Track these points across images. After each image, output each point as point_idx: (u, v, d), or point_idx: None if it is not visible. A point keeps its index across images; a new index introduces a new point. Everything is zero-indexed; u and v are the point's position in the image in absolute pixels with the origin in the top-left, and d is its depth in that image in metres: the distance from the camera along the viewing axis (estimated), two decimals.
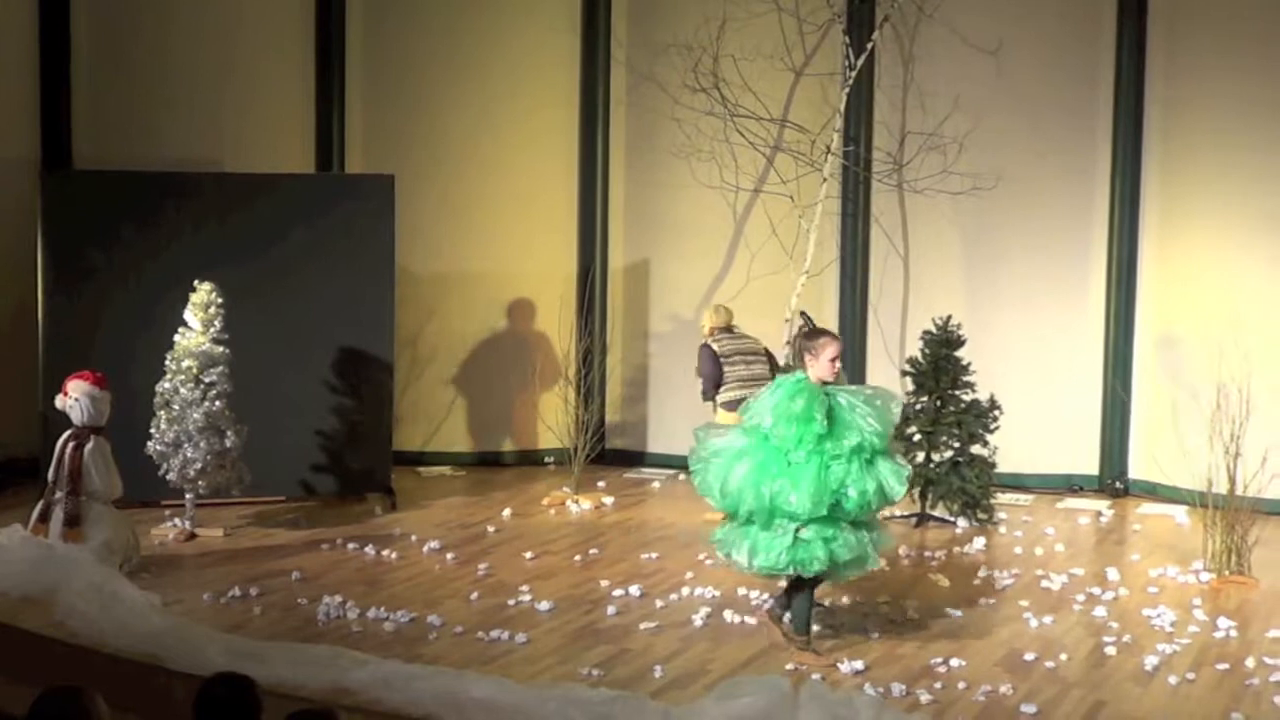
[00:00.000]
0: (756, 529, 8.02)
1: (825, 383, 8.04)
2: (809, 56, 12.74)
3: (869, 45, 12.40)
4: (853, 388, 8.37)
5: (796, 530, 7.90)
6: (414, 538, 10.60)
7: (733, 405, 11.56)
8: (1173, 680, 7.88)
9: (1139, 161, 12.23)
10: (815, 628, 8.36)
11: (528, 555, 10.23)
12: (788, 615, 8.27)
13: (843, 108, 12.48)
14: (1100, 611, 9.07)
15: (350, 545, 10.34)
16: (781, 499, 7.87)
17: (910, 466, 8.38)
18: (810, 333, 8.45)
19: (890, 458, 8.09)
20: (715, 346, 11.54)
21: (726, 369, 11.45)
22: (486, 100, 13.02)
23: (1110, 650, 8.36)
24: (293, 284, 11.36)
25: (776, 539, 7.94)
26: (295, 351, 11.33)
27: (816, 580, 8.19)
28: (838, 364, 8.10)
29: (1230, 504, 9.84)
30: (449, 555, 10.21)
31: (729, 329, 11.68)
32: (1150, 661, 8.14)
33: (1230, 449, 9.88)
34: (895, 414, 8.16)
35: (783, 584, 8.44)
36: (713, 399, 11.51)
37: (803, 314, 8.44)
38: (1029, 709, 7.41)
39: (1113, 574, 9.87)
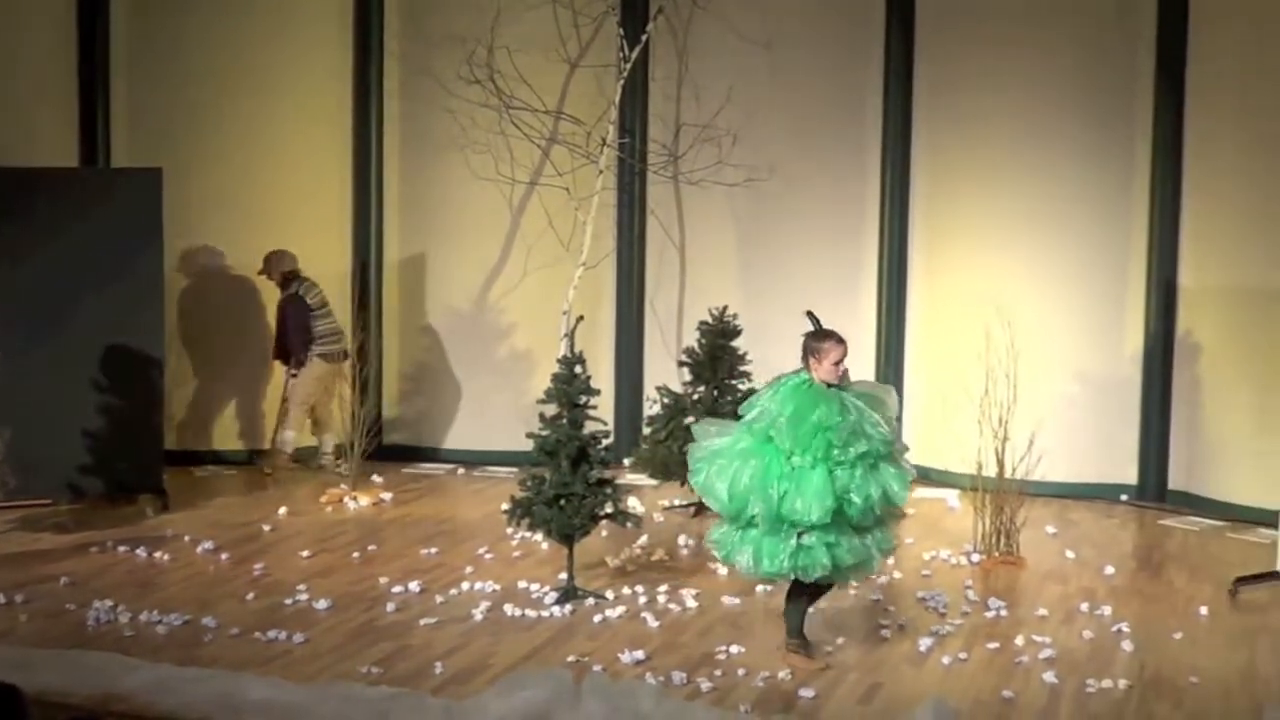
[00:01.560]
0: (759, 533, 7.86)
1: (829, 385, 7.87)
2: (584, 49, 12.76)
3: (643, 37, 12.49)
4: (855, 387, 8.04)
5: (799, 536, 7.81)
6: (187, 538, 10.38)
7: (331, 357, 12.25)
8: (946, 660, 8.06)
9: (908, 158, 12.51)
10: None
11: (305, 554, 10.08)
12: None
13: (618, 100, 12.53)
14: (875, 595, 9.24)
15: (121, 548, 10.09)
16: (788, 504, 7.73)
17: (914, 470, 8.21)
18: (815, 334, 8.04)
19: (894, 462, 7.93)
20: (309, 300, 12.21)
21: (320, 323, 12.22)
22: (257, 92, 12.76)
23: (886, 633, 8.53)
24: (58, 281, 11.00)
25: (780, 544, 7.82)
26: (61, 351, 10.99)
27: (816, 586, 8.06)
28: (843, 366, 7.89)
29: (999, 487, 10.11)
30: (223, 555, 10.01)
31: (298, 274, 12.29)
32: (925, 643, 8.32)
33: (998, 434, 10.15)
34: (894, 408, 8.04)
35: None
36: (306, 355, 12.16)
37: (809, 314, 8.07)
38: (807, 693, 7.52)
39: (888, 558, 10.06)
